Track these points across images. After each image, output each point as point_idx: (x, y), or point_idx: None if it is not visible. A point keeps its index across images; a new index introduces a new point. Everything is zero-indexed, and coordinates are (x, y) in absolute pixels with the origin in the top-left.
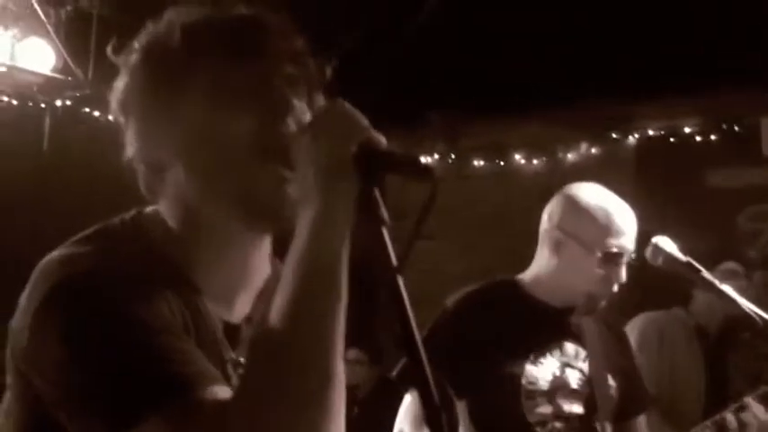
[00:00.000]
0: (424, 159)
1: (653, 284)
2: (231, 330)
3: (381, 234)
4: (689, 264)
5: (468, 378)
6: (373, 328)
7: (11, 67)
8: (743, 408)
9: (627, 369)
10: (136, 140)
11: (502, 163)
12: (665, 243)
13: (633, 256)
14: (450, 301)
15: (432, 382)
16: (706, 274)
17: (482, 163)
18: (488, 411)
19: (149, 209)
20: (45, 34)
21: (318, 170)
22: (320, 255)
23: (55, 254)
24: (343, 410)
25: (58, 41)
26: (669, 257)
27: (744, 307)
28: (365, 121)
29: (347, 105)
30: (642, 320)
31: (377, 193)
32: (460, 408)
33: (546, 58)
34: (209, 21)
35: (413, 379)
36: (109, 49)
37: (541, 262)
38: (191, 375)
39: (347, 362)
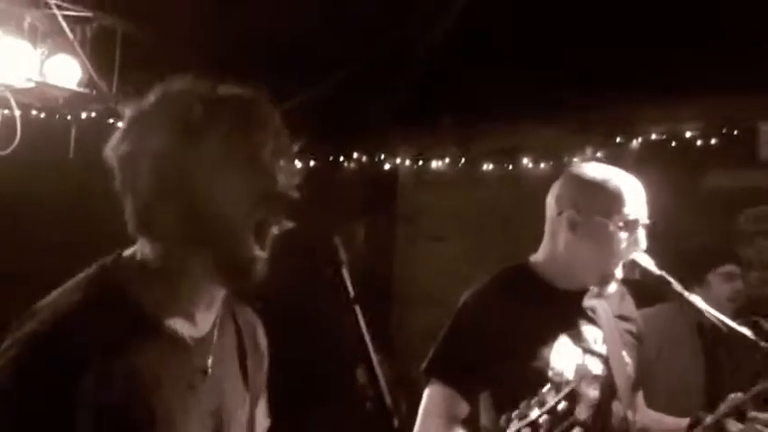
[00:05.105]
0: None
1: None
2: (200, 342)
3: (341, 273)
4: (661, 276)
5: (491, 369)
6: None
7: (39, 83)
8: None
9: (634, 344)
10: (147, 173)
11: (511, 167)
12: (642, 258)
13: (649, 221)
14: (467, 294)
15: (387, 397)
16: (676, 285)
17: (492, 167)
18: (515, 402)
19: (128, 251)
20: (71, 51)
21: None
22: None
23: (39, 303)
24: None
25: (84, 58)
26: (644, 271)
27: (710, 316)
28: None
29: None
30: (643, 315)
31: (337, 241)
32: (484, 398)
33: (554, 65)
34: (220, 98)
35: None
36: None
37: (554, 246)
38: None
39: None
